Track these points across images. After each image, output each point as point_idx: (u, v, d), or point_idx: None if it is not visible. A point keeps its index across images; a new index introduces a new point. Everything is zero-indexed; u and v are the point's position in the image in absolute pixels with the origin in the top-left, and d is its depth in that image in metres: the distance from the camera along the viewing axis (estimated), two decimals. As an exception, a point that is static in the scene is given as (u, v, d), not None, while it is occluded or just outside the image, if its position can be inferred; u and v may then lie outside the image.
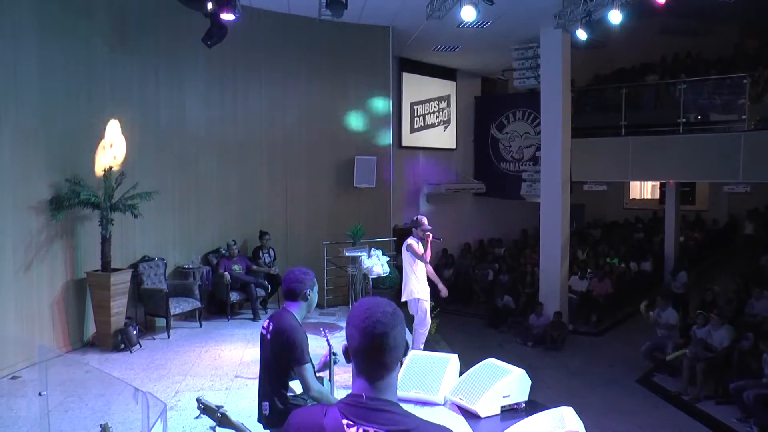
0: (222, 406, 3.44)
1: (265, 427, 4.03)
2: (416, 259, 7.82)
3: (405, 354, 1.95)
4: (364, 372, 1.90)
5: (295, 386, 4.00)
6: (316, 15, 10.98)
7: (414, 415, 1.87)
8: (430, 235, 7.87)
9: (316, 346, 4.47)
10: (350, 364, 1.96)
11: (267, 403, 3.94)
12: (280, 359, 3.86)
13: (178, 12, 8.95)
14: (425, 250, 7.87)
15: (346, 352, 1.96)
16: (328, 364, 4.35)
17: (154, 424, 4.02)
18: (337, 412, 1.85)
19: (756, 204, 18.38)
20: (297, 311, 3.98)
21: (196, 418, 3.52)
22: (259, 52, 11.31)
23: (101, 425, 3.48)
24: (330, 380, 4.34)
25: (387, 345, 1.87)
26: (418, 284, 7.84)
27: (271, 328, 3.93)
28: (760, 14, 8.52)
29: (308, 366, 3.80)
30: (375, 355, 1.87)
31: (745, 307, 11.52)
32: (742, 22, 15.99)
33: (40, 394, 5.31)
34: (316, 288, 4.06)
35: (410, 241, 7.88)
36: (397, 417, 1.83)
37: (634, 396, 10.28)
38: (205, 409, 3.43)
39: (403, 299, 7.88)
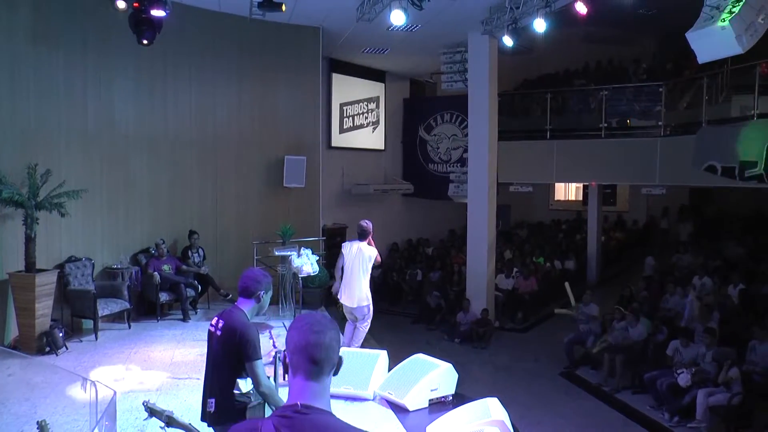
0: (167, 410, 3.50)
1: (209, 425, 4.02)
2: (372, 263, 7.93)
3: (339, 368, 2.05)
4: (300, 369, 1.98)
5: (241, 384, 4.03)
6: (247, 14, 10.97)
7: (346, 424, 1.96)
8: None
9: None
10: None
11: (213, 400, 3.94)
12: (231, 356, 3.88)
13: (107, 5, 8.77)
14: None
15: (285, 364, 2.05)
16: (273, 363, 4.41)
17: (103, 415, 4.01)
18: (271, 425, 1.92)
19: (669, 204, 19.31)
20: (248, 310, 3.99)
21: (146, 420, 3.57)
22: (189, 49, 11.19)
23: (38, 422, 3.46)
24: (275, 379, 4.40)
25: (323, 341, 1.98)
26: (367, 288, 7.93)
27: (221, 325, 3.94)
28: (675, 26, 8.99)
29: (259, 362, 3.83)
30: (312, 350, 1.96)
31: (660, 302, 12.06)
32: (659, 33, 16.72)
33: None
34: (270, 293, 4.07)
35: (371, 249, 7.92)
36: (330, 426, 1.92)
37: (557, 389, 10.64)
38: (152, 412, 3.48)
39: (354, 305, 7.83)
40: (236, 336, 3.84)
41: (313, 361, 1.96)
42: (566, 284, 12.70)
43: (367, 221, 8.09)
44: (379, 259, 8.09)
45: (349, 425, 1.96)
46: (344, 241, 8.24)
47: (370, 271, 7.96)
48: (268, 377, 4.16)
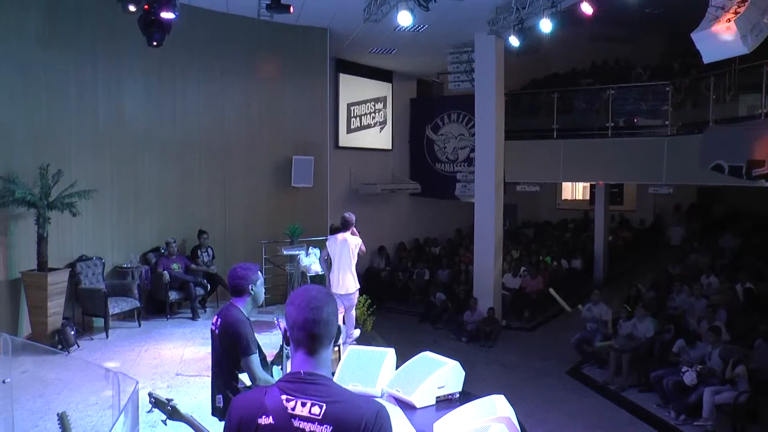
0: (172, 399, 3.55)
1: (220, 420, 4.16)
2: (357, 251, 8.29)
3: (338, 337, 2.15)
4: (301, 344, 2.07)
5: (245, 379, 4.14)
6: (255, 15, 11.03)
7: (347, 389, 2.08)
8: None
9: (266, 342, 4.57)
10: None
11: (220, 396, 4.11)
12: (229, 352, 4.02)
13: (116, 7, 8.86)
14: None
15: (285, 335, 2.14)
16: (280, 355, 4.48)
17: (127, 403, 4.07)
18: (276, 390, 2.03)
19: (677, 203, 19.27)
20: (243, 306, 4.12)
21: (149, 412, 3.62)
22: (198, 50, 11.25)
23: (58, 414, 3.53)
24: (282, 371, 4.48)
25: (321, 317, 2.06)
26: (355, 275, 8.36)
27: (219, 323, 4.08)
28: (682, 25, 9.03)
29: (254, 357, 3.96)
30: (310, 326, 2.05)
31: (667, 301, 12.07)
32: (666, 32, 16.69)
33: (3, 382, 5.28)
34: (259, 282, 4.20)
35: (355, 239, 8.32)
36: (332, 390, 2.02)
37: (564, 387, 10.71)
38: (157, 402, 3.54)
39: (343, 292, 8.14)
40: (230, 332, 3.98)
41: (312, 336, 2.05)
42: (551, 290, 12.49)
43: (350, 213, 8.50)
44: (363, 248, 8.43)
45: (349, 390, 2.07)
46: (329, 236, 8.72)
47: (356, 260, 8.34)
48: (272, 366, 4.27)
